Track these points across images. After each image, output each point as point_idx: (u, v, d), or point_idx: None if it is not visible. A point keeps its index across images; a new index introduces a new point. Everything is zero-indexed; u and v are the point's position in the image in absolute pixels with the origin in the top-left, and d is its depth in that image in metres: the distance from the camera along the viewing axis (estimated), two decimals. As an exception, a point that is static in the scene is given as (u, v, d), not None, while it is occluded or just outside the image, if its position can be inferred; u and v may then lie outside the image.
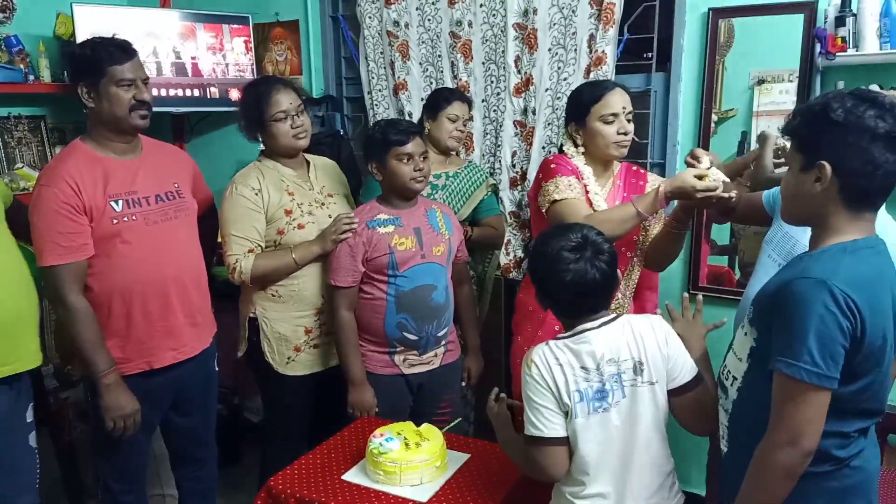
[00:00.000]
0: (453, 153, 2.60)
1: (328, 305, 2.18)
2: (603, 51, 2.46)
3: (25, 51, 2.93)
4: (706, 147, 2.45)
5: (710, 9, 2.37)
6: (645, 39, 2.56)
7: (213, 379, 2.25)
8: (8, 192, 2.03)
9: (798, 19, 2.25)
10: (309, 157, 2.31)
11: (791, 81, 2.31)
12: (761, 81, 2.37)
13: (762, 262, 1.89)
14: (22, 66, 2.90)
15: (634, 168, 2.19)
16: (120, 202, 1.92)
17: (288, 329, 2.21)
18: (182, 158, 2.25)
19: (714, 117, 2.44)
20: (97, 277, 1.91)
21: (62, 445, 2.62)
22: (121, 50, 1.91)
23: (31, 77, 2.94)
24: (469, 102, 2.57)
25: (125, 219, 1.92)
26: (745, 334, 1.36)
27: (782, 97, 2.35)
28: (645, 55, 2.60)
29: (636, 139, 2.63)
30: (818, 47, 2.16)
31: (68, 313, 1.85)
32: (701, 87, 2.44)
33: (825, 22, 2.17)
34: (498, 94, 2.74)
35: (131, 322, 1.96)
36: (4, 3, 2.76)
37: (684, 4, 2.41)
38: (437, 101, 2.51)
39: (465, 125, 2.52)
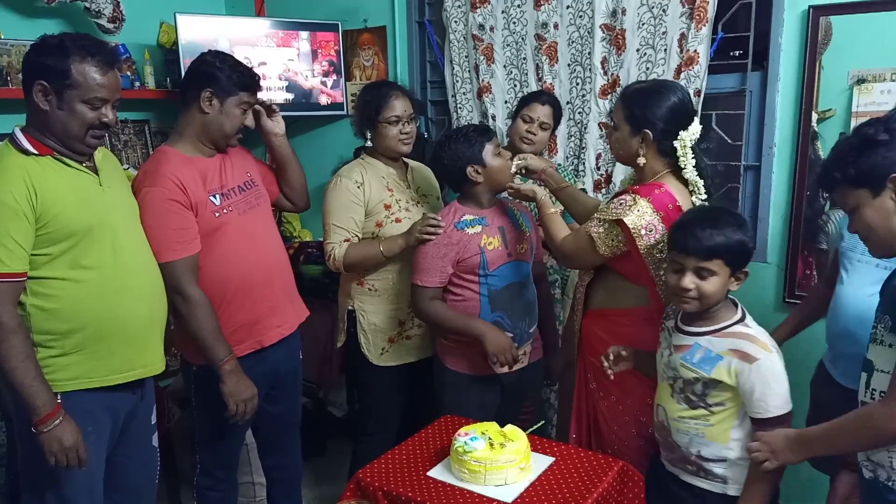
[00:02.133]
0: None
1: (412, 303, 2.19)
2: (695, 50, 2.41)
3: (132, 58, 3.12)
4: (804, 150, 2.36)
5: (810, 6, 2.28)
6: (736, 39, 2.49)
7: (299, 367, 2.35)
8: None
9: (902, 16, 2.15)
10: (407, 160, 2.40)
11: (894, 81, 2.21)
12: (861, 81, 2.27)
13: (854, 268, 1.82)
14: (129, 73, 3.09)
15: None
16: (217, 196, 2.02)
17: (383, 321, 2.30)
18: (243, 151, 2.28)
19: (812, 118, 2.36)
20: (204, 270, 2.00)
21: (160, 432, 2.76)
22: (254, 80, 2.07)
23: (137, 83, 3.12)
24: (553, 106, 2.49)
25: (224, 211, 2.03)
26: (891, 346, 1.33)
27: (884, 97, 2.25)
28: (732, 53, 2.52)
29: (729, 141, 2.58)
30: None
31: (188, 305, 1.93)
32: (800, 86, 2.35)
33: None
34: (583, 96, 2.72)
35: (240, 306, 2.06)
36: (115, 13, 2.94)
37: (782, 2, 2.33)
38: (519, 103, 2.53)
39: (543, 128, 2.47)
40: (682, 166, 1.81)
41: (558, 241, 1.97)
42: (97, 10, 2.88)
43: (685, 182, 1.83)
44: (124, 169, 3.05)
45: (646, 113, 1.79)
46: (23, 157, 1.66)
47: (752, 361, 1.55)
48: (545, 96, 2.51)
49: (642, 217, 1.76)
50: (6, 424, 2.36)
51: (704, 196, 1.83)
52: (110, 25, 2.94)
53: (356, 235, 2.25)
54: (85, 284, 1.71)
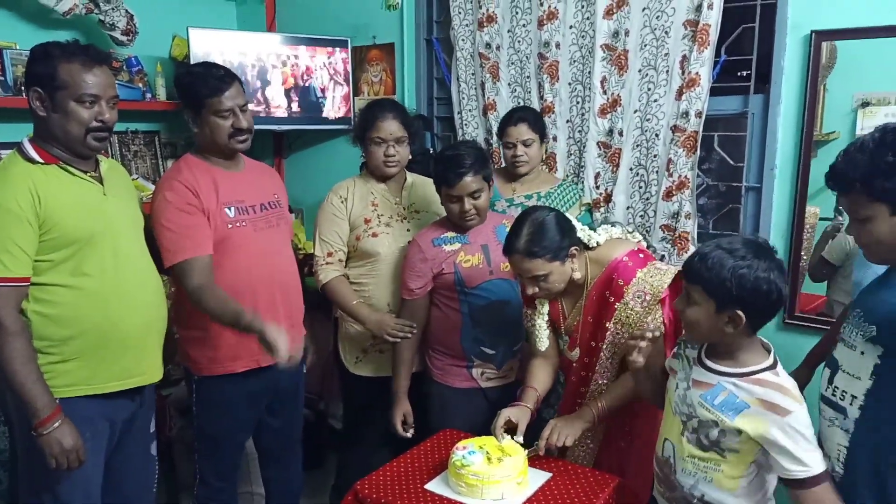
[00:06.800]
0: (544, 171, 2.68)
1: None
2: (696, 72, 2.44)
3: (144, 70, 3.17)
4: (805, 172, 2.38)
5: (812, 31, 2.31)
6: (740, 61, 2.51)
7: (301, 381, 2.36)
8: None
9: (907, 41, 2.17)
10: (410, 174, 2.44)
11: (898, 105, 2.23)
12: (866, 104, 2.29)
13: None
14: (140, 85, 3.14)
15: None
16: (232, 209, 2.04)
17: (357, 331, 2.36)
18: (277, 177, 2.37)
19: (814, 140, 2.37)
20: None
21: (162, 440, 2.77)
22: (219, 80, 1.99)
23: (148, 95, 3.17)
24: (525, 120, 2.50)
25: (238, 224, 2.04)
26: (863, 353, 1.36)
27: (888, 121, 2.26)
28: (739, 74, 2.55)
29: (731, 162, 2.59)
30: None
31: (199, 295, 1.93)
32: (802, 109, 2.37)
33: (938, 44, 2.08)
34: (583, 114, 2.75)
35: None
36: (128, 26, 3.00)
37: (785, 26, 2.36)
38: (498, 131, 2.60)
39: (526, 145, 2.49)
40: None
41: None
42: (111, 22, 2.93)
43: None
44: (133, 179, 3.13)
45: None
46: (28, 166, 1.70)
47: (785, 415, 1.38)
48: (515, 114, 2.55)
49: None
50: (8, 429, 2.38)
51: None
52: (124, 38, 2.99)
53: (341, 250, 2.33)
54: (85, 292, 1.74)
